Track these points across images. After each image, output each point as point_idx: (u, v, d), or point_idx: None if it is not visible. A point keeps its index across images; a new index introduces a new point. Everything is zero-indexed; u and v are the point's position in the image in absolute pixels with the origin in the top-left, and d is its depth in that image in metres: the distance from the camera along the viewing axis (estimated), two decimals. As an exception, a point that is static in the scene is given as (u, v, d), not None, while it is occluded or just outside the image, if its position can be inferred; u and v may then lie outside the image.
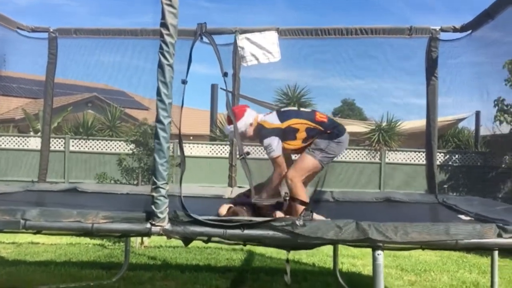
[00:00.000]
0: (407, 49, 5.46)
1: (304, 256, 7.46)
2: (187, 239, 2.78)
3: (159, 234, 2.72)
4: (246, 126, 3.46)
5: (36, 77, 8.13)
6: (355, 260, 7.18)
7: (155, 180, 2.70)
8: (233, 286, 5.57)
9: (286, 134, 3.50)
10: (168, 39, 2.71)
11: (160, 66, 2.71)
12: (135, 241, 8.24)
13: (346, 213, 3.80)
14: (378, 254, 2.63)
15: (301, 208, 2.96)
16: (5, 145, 12.29)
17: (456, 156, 12.23)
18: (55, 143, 11.88)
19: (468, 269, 6.66)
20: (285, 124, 3.52)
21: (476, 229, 2.57)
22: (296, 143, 3.53)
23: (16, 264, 6.17)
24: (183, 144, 2.98)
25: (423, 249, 2.73)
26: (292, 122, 3.57)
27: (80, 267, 6.16)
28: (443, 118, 11.34)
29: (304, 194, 3.32)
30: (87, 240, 8.88)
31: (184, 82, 2.96)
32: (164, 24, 2.73)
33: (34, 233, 2.90)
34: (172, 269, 6.40)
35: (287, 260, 3.13)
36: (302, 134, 3.54)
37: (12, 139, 12.51)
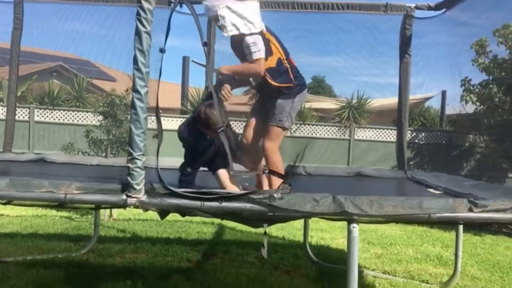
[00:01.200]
0: (381, 26, 5.49)
1: (274, 229, 7.55)
2: (163, 212, 2.75)
3: (135, 206, 2.68)
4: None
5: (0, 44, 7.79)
6: (323, 233, 7.33)
7: (131, 151, 2.64)
8: (204, 259, 5.59)
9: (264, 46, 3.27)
10: (146, 5, 2.62)
11: (138, 33, 2.62)
12: (104, 213, 8.13)
13: (319, 187, 3.86)
14: (353, 227, 2.69)
15: (279, 180, 2.97)
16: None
17: (423, 134, 12.53)
18: (19, 113, 11.48)
19: (432, 243, 6.91)
20: (267, 35, 3.31)
21: (448, 203, 2.64)
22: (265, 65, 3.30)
23: (-20, 236, 6.02)
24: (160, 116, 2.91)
25: (397, 222, 2.79)
26: (272, 40, 3.38)
27: (47, 239, 6.05)
28: (411, 96, 11.56)
29: (281, 166, 3.33)
30: (53, 212, 8.71)
31: (162, 50, 2.87)
32: (142, -10, 2.63)
33: (4, 204, 2.80)
34: (143, 241, 6.37)
35: (265, 233, 3.14)
36: (271, 62, 3.34)
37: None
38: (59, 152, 9.18)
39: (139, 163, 2.63)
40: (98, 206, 2.91)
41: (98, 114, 9.11)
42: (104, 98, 9.05)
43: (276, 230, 7.57)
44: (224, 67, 3.37)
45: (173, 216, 8.79)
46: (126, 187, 2.69)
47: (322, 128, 12.45)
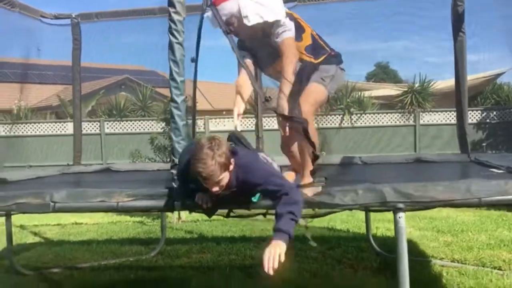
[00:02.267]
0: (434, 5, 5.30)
1: (338, 222, 7.49)
2: (208, 214, 2.84)
3: (181, 209, 2.79)
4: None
5: (68, 63, 8.34)
6: (390, 224, 7.13)
7: (173, 157, 2.76)
8: (267, 256, 5.65)
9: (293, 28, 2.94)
10: (175, 17, 2.72)
11: (170, 45, 2.72)
12: (173, 216, 8.48)
13: (372, 176, 3.78)
14: (399, 217, 2.62)
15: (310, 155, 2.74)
16: (44, 132, 12.76)
17: (495, 113, 11.80)
18: (90, 126, 12.25)
19: (507, 227, 6.51)
20: (293, 14, 3.02)
21: (500, 185, 2.50)
22: (301, 46, 2.95)
23: (61, 244, 6.49)
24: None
25: (445, 207, 2.68)
26: (298, 17, 3.05)
27: (120, 244, 6.42)
28: (477, 75, 10.93)
29: (316, 134, 2.91)
30: (127, 218, 9.20)
31: (193, 60, 2.93)
32: (171, 2, 2.73)
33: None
34: (208, 241, 6.57)
35: (306, 227, 3.14)
36: (307, 40, 3.00)
37: (50, 125, 12.97)
38: (127, 160, 9.67)
39: (182, 169, 2.73)
40: (149, 210, 3.03)
41: (161, 121, 9.46)
42: (166, 105, 9.39)
43: (341, 223, 7.49)
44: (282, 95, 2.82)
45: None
46: (173, 193, 2.81)
47: (385, 116, 12.10)
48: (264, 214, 2.81)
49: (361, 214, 7.76)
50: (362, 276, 4.65)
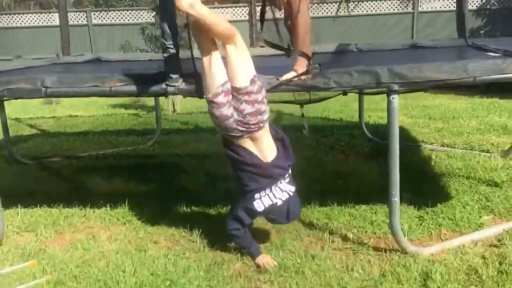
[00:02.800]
0: None
1: (332, 112, 7.56)
2: (200, 96, 2.82)
3: (174, 93, 2.78)
4: None
5: None
6: (383, 112, 7.19)
7: (163, 41, 2.67)
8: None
9: None
10: None
11: None
12: (168, 108, 8.51)
13: (367, 61, 3.72)
14: (392, 98, 2.62)
15: (304, 60, 2.68)
16: (29, 23, 12.26)
17: (496, -2, 11.38)
18: (77, 17, 11.74)
19: (498, 114, 6.61)
20: None
21: (496, 64, 2.47)
22: None
23: (57, 136, 6.58)
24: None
25: (439, 88, 2.68)
26: None
27: (116, 135, 6.51)
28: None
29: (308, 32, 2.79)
30: (122, 110, 9.24)
31: None
32: None
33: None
34: (204, 132, 6.66)
35: (303, 115, 3.15)
36: None
37: (35, 16, 12.42)
38: (117, 52, 9.44)
39: (172, 51, 2.66)
40: (141, 95, 3.01)
41: (151, 10, 9.09)
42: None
43: (334, 113, 7.57)
44: None
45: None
46: (165, 77, 2.77)
47: (382, 3, 11.64)
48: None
49: (355, 104, 7.81)
50: (354, 161, 4.80)
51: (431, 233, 3.07)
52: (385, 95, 2.68)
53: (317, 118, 7.16)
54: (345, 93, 2.64)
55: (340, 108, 7.97)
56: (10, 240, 3.22)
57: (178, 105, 8.79)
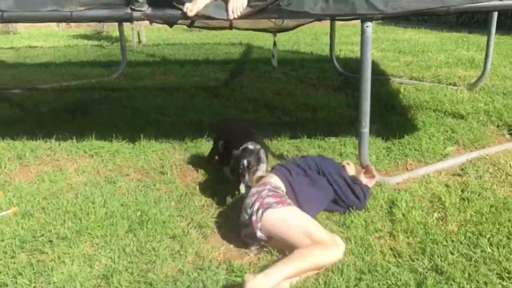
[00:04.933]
0: None
1: (302, 46, 7.47)
2: (169, 23, 2.69)
3: (140, 19, 2.64)
4: None
5: None
6: (354, 46, 7.18)
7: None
8: (231, 77, 5.70)
9: None
10: None
11: None
12: (133, 40, 8.20)
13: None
14: (366, 27, 2.56)
15: None
16: None
17: None
18: None
19: (466, 48, 6.68)
20: None
21: (472, -6, 2.43)
22: None
23: (17, 67, 6.28)
24: None
25: (413, 15, 2.63)
26: None
27: (80, 66, 6.27)
28: None
29: None
30: (84, 41, 8.86)
31: None
32: None
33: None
34: (171, 64, 6.50)
35: (274, 43, 3.07)
36: None
37: None
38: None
39: (139, -27, 2.49)
40: (105, 20, 2.85)
41: None
42: None
43: (305, 46, 7.48)
44: None
45: (200, 39, 8.82)
46: (131, 1, 2.61)
47: None
48: (230, 27, 2.67)
49: (325, 38, 7.74)
50: (323, 94, 4.80)
51: (398, 164, 3.15)
52: (356, 29, 2.61)
53: (287, 52, 7.07)
54: (319, 20, 2.55)
55: (310, 41, 7.88)
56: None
57: (143, 36, 8.48)
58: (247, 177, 2.56)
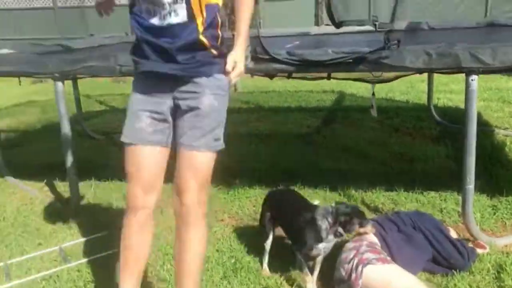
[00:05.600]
0: None
1: (397, 94, 7.32)
2: (270, 76, 2.81)
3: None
4: None
5: None
6: (452, 95, 6.90)
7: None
8: (323, 125, 5.71)
9: None
10: None
11: None
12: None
13: (440, 40, 3.54)
14: (472, 80, 2.47)
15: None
16: None
17: None
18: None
19: None
20: None
21: None
22: None
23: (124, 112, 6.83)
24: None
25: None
26: None
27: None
28: None
29: None
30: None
31: None
32: None
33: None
34: (265, 111, 6.68)
35: (373, 94, 3.05)
36: None
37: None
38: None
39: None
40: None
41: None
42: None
43: (400, 94, 7.32)
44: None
45: (293, 87, 8.95)
46: (234, 56, 2.76)
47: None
48: (328, 77, 2.72)
49: (422, 85, 7.52)
50: (420, 144, 4.63)
51: (505, 224, 2.92)
52: (455, 77, 2.54)
53: (381, 99, 6.95)
54: (420, 73, 2.52)
55: (406, 89, 7.70)
56: (84, 212, 3.39)
57: (239, 84, 8.83)
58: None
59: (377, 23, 3.00)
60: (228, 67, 1.88)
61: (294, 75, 2.85)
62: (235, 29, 1.92)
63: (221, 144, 1.96)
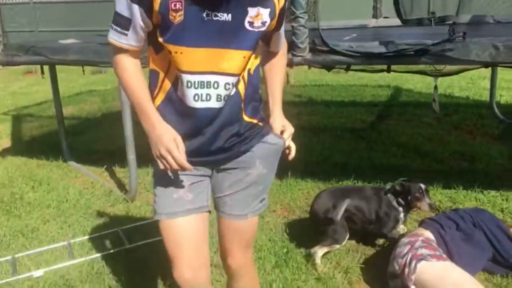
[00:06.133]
0: None
1: (456, 89, 7.07)
2: (327, 67, 2.78)
3: (300, 64, 2.77)
4: None
5: None
6: (516, 92, 6.57)
7: (293, 10, 2.66)
8: (378, 120, 5.60)
9: None
10: None
11: None
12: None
13: (506, 34, 3.37)
14: (542, 75, 2.35)
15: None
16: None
17: None
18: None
19: None
20: None
21: None
22: None
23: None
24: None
25: None
26: None
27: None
28: None
29: None
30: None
31: None
32: None
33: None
34: (318, 105, 6.63)
35: (435, 87, 2.96)
36: None
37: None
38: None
39: (302, 21, 2.64)
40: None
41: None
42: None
43: (460, 90, 7.07)
44: None
45: (347, 80, 8.82)
46: (292, 46, 2.76)
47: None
48: (388, 70, 2.67)
49: (483, 82, 7.22)
50: (481, 142, 4.45)
51: None
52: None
53: (440, 95, 6.71)
54: (485, 67, 2.42)
55: (466, 85, 7.42)
56: (142, 197, 3.52)
57: (292, 77, 8.82)
58: (427, 199, 2.52)
59: (433, 18, 2.91)
60: (278, 131, 1.67)
61: (353, 67, 2.81)
62: (270, 95, 1.71)
63: (265, 204, 1.69)
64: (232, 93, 1.46)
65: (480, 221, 2.38)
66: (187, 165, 1.43)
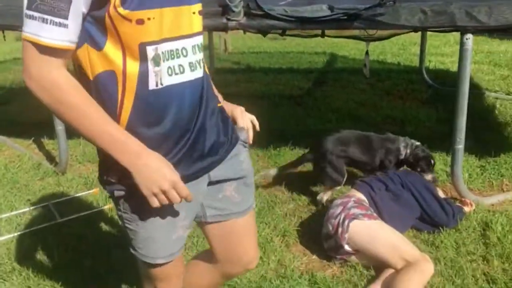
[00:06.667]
0: None
1: (389, 56, 7.28)
2: (263, 32, 2.75)
3: (235, 28, 2.71)
4: None
5: None
6: (444, 57, 6.87)
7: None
8: (314, 86, 5.68)
9: None
10: None
11: None
12: (219, 47, 8.45)
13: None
14: (466, 39, 2.45)
15: None
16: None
17: None
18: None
19: None
20: None
21: None
22: None
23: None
24: None
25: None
26: None
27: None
28: None
29: None
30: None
31: None
32: None
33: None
34: (256, 72, 6.61)
35: (367, 52, 3.01)
36: None
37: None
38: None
39: (235, -17, 2.57)
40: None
41: None
42: None
43: (391, 56, 7.28)
44: None
45: (284, 48, 8.82)
46: (226, 11, 2.69)
47: None
48: (322, 35, 2.67)
49: (414, 48, 7.48)
50: (411, 106, 4.63)
51: (493, 184, 2.97)
52: (447, 39, 2.51)
53: (373, 62, 6.90)
54: (415, 31, 2.48)
55: (397, 51, 7.66)
56: (74, 169, 3.37)
57: (229, 44, 8.71)
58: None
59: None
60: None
61: (288, 32, 2.78)
62: None
63: None
64: (200, 58, 1.22)
65: (408, 182, 2.49)
66: (190, 195, 1.17)
